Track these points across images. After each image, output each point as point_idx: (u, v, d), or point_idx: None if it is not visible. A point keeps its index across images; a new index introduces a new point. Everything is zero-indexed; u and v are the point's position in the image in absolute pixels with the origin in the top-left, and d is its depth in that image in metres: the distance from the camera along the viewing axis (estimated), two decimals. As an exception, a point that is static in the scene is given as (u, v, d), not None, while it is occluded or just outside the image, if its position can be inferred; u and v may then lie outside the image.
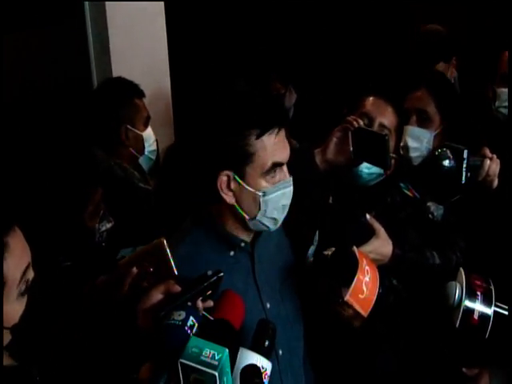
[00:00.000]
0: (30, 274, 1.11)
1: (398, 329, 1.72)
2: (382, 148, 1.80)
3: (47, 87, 2.96)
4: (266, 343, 1.24)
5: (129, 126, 2.52)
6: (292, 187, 1.49)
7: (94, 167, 2.39)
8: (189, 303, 1.23)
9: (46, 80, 2.97)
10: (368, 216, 1.73)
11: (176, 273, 1.33)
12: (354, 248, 1.52)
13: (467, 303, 1.46)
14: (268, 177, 1.43)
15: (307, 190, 1.65)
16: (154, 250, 1.35)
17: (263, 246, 1.56)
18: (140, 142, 2.56)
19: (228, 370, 1.13)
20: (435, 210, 1.92)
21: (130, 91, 2.55)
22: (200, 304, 1.26)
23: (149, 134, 2.59)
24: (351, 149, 1.84)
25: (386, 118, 1.92)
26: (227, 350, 1.12)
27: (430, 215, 1.91)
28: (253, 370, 1.16)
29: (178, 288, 1.26)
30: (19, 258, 1.09)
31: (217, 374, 1.08)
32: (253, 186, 1.42)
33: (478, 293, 1.46)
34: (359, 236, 1.70)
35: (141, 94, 2.58)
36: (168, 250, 1.34)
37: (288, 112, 3.01)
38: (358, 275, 1.45)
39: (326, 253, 1.54)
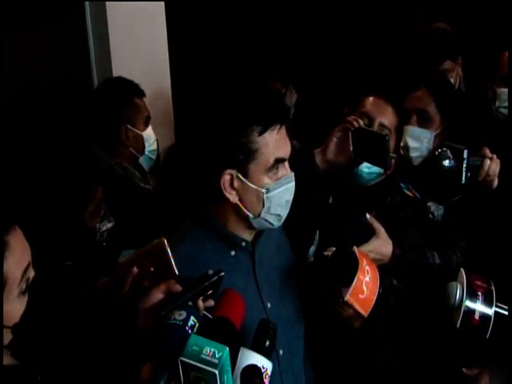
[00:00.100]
0: (31, 273, 1.12)
1: (397, 329, 1.72)
2: (382, 148, 1.80)
3: (47, 87, 2.96)
4: (267, 343, 1.24)
5: (129, 126, 2.52)
6: (294, 182, 1.49)
7: (94, 167, 2.39)
8: (190, 303, 1.23)
9: (46, 80, 2.97)
10: (368, 216, 1.73)
11: (177, 272, 1.33)
12: (355, 248, 1.52)
13: (468, 303, 1.46)
14: (271, 173, 1.43)
15: (307, 189, 1.65)
16: (154, 249, 1.35)
17: (264, 246, 1.56)
18: (140, 142, 2.56)
19: (228, 368, 1.13)
20: (435, 210, 1.92)
21: (130, 91, 2.55)
22: (201, 303, 1.26)
23: (149, 133, 2.59)
24: (351, 149, 1.84)
25: (386, 117, 1.92)
26: (227, 349, 1.12)
27: (430, 215, 1.92)
28: (253, 371, 1.16)
29: (178, 288, 1.26)
30: (20, 256, 1.09)
31: (217, 372, 1.08)
32: (256, 183, 1.42)
33: (479, 293, 1.46)
34: (359, 236, 1.70)
35: (141, 94, 2.58)
36: (169, 250, 1.34)
37: (289, 108, 3.01)
38: (359, 275, 1.45)
39: (326, 253, 1.55)
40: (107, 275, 1.39)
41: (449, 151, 1.76)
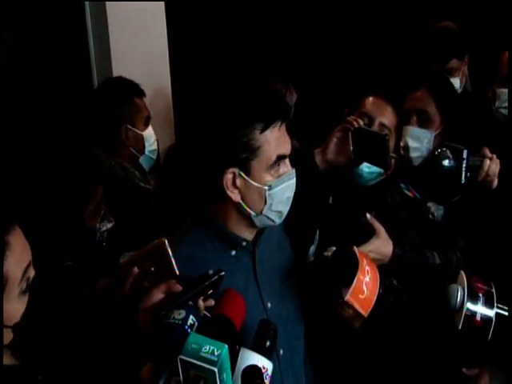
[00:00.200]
0: (31, 273, 1.12)
1: (397, 329, 1.72)
2: (382, 148, 1.80)
3: (47, 87, 2.97)
4: (268, 343, 1.24)
5: (129, 126, 2.53)
6: (295, 179, 1.50)
7: (94, 167, 2.39)
8: (190, 302, 1.23)
9: (46, 80, 2.98)
10: (368, 216, 1.73)
11: (177, 272, 1.33)
12: (355, 248, 1.52)
13: (469, 306, 1.46)
14: (272, 170, 1.43)
15: (307, 189, 1.65)
16: (155, 249, 1.35)
17: (264, 245, 1.56)
18: (140, 142, 2.56)
19: (227, 365, 1.13)
20: (435, 210, 1.92)
21: (130, 91, 2.56)
22: (201, 303, 1.26)
23: (149, 133, 2.59)
24: (351, 149, 1.84)
25: (386, 117, 1.92)
26: (226, 346, 1.12)
27: (430, 215, 1.92)
28: (254, 371, 1.16)
29: (179, 287, 1.26)
30: (20, 256, 1.09)
31: (216, 370, 1.08)
32: (258, 180, 1.42)
33: (480, 295, 1.47)
34: (359, 236, 1.70)
35: (141, 94, 2.58)
36: (169, 250, 1.34)
37: (289, 106, 3.01)
38: (359, 275, 1.45)
39: (326, 253, 1.55)
40: (107, 275, 1.39)
41: (448, 151, 1.76)
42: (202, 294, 1.27)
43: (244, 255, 1.52)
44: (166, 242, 1.35)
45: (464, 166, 1.74)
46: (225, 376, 1.12)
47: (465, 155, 1.74)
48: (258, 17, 4.11)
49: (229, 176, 1.41)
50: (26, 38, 2.93)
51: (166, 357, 1.14)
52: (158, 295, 1.26)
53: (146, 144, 2.58)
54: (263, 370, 1.20)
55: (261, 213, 1.46)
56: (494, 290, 1.47)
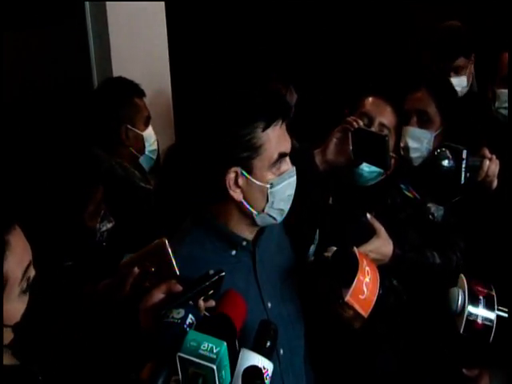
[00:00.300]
0: (32, 273, 1.12)
1: (397, 329, 1.72)
2: (382, 148, 1.80)
3: (47, 87, 2.97)
4: (268, 344, 1.24)
5: (129, 126, 2.53)
6: (295, 177, 1.50)
7: (94, 167, 2.39)
8: (190, 302, 1.23)
9: (46, 80, 2.98)
10: (368, 215, 1.73)
11: (178, 273, 1.33)
12: (355, 248, 1.52)
13: (470, 309, 1.46)
14: (274, 168, 1.44)
15: (307, 189, 1.65)
16: (155, 250, 1.36)
17: (264, 245, 1.56)
18: (140, 142, 2.56)
19: (226, 363, 1.13)
20: (435, 210, 1.92)
21: (130, 91, 2.56)
22: (202, 303, 1.26)
23: (149, 133, 2.60)
24: (351, 149, 1.84)
25: (386, 117, 1.92)
26: (225, 344, 1.12)
27: (430, 216, 1.92)
28: (254, 372, 1.16)
29: (179, 287, 1.26)
30: (20, 256, 1.09)
31: (215, 367, 1.08)
32: (260, 179, 1.43)
33: (481, 298, 1.47)
34: (359, 236, 1.70)
35: (141, 94, 2.58)
36: (170, 250, 1.34)
37: (290, 104, 3.01)
38: (359, 276, 1.45)
39: (326, 253, 1.55)
40: (108, 275, 1.40)
41: (448, 151, 1.76)
42: (203, 294, 1.27)
43: (244, 255, 1.52)
44: (167, 242, 1.35)
45: (463, 166, 1.74)
46: (223, 373, 1.12)
47: (464, 155, 1.74)
48: (258, 17, 4.11)
49: (231, 175, 1.42)
50: (26, 38, 2.93)
51: (165, 356, 1.14)
52: (159, 295, 1.26)
53: (146, 144, 2.58)
54: (263, 371, 1.20)
55: (263, 211, 1.46)
56: (494, 293, 1.47)
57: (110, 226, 2.20)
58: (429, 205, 1.93)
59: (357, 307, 1.46)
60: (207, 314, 1.27)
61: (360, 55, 4.08)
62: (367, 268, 1.48)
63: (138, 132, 2.55)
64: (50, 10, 2.96)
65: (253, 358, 1.21)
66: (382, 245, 1.71)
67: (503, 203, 1.78)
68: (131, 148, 2.54)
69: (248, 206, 1.45)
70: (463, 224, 1.87)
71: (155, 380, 1.12)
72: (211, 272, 1.30)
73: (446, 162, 1.75)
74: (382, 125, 1.91)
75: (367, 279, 1.46)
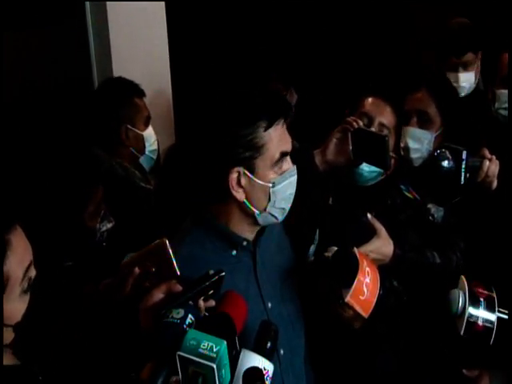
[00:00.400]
0: (33, 272, 1.12)
1: (398, 329, 1.73)
2: (382, 148, 1.80)
3: (47, 87, 2.97)
4: (268, 345, 1.24)
5: (129, 126, 2.53)
6: (296, 176, 1.50)
7: (94, 167, 2.39)
8: (190, 302, 1.23)
9: (46, 80, 2.97)
10: (369, 216, 1.73)
11: (178, 273, 1.33)
12: (355, 249, 1.52)
13: (471, 311, 1.46)
14: (276, 168, 1.45)
15: (307, 190, 1.65)
16: (156, 250, 1.36)
17: (265, 245, 1.56)
18: (140, 142, 2.56)
19: (226, 362, 1.13)
20: (435, 211, 1.92)
21: (129, 91, 2.56)
22: (202, 303, 1.26)
23: (149, 133, 2.60)
24: (351, 149, 1.84)
25: (385, 117, 1.92)
26: (225, 342, 1.12)
27: (430, 217, 1.92)
28: (255, 373, 1.16)
29: (179, 287, 1.26)
30: (21, 255, 1.09)
31: (215, 366, 1.08)
32: (262, 178, 1.43)
33: (481, 299, 1.47)
34: (360, 236, 1.70)
35: (141, 94, 2.58)
36: (170, 250, 1.34)
37: (291, 104, 3.02)
38: (359, 276, 1.45)
39: (326, 254, 1.55)
40: (108, 275, 1.40)
41: (448, 152, 1.76)
42: (203, 294, 1.27)
43: (245, 255, 1.52)
44: (167, 242, 1.35)
45: (463, 166, 1.75)
46: (223, 372, 1.12)
47: (464, 156, 1.74)
48: (258, 17, 4.11)
49: (233, 175, 1.42)
50: (26, 38, 2.92)
51: (164, 355, 1.14)
52: (159, 295, 1.26)
53: (147, 144, 2.58)
54: (264, 372, 1.20)
55: (264, 210, 1.47)
56: (494, 295, 1.47)
57: (109, 226, 2.20)
58: (429, 205, 1.93)
59: (357, 308, 1.46)
60: (207, 314, 1.28)
61: (360, 55, 4.09)
62: (367, 268, 1.48)
63: (138, 132, 2.55)
64: (50, 10, 2.96)
65: (253, 359, 1.21)
66: (382, 245, 1.71)
67: (503, 204, 1.78)
68: (131, 148, 2.54)
69: (250, 206, 1.45)
70: (463, 224, 1.87)
71: (155, 380, 1.12)
72: (211, 272, 1.30)
73: (445, 163, 1.76)
74: (381, 125, 1.92)
75: (367, 280, 1.46)
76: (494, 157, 1.78)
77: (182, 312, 1.19)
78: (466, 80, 2.70)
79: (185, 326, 1.17)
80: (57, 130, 2.83)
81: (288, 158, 1.48)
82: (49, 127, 2.85)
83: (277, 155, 1.43)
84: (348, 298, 1.44)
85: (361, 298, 1.45)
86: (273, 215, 1.49)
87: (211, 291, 1.29)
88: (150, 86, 2.75)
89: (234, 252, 1.51)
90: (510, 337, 1.47)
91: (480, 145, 1.84)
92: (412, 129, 2.00)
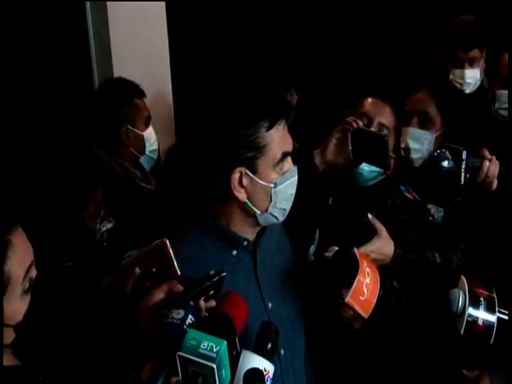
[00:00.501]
0: (33, 273, 1.12)
1: (398, 329, 1.73)
2: (382, 149, 1.80)
3: (48, 87, 2.97)
4: (269, 346, 1.24)
5: (129, 126, 2.53)
6: (297, 176, 1.51)
7: (95, 167, 2.39)
8: (191, 302, 1.23)
9: (46, 80, 2.97)
10: (370, 216, 1.74)
11: (179, 273, 1.34)
12: (355, 249, 1.53)
13: (471, 311, 1.46)
14: (277, 168, 1.45)
15: (307, 190, 1.65)
16: (156, 250, 1.36)
17: (265, 245, 1.56)
18: (141, 142, 2.57)
19: (226, 362, 1.13)
20: (435, 212, 1.92)
21: (130, 91, 2.56)
22: (202, 304, 1.26)
23: (150, 133, 2.60)
24: (350, 149, 1.84)
25: (385, 117, 1.92)
26: (225, 342, 1.12)
27: (430, 217, 1.92)
28: (255, 374, 1.17)
29: (180, 288, 1.26)
30: (22, 256, 1.09)
31: (215, 366, 1.08)
32: (264, 178, 1.43)
33: (481, 300, 1.47)
34: (360, 236, 1.70)
35: (141, 94, 2.58)
36: (171, 250, 1.34)
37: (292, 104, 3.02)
38: (359, 277, 1.45)
39: (326, 254, 1.55)
40: (109, 275, 1.40)
41: (448, 152, 1.77)
42: (203, 294, 1.27)
43: (245, 255, 1.52)
44: (168, 242, 1.35)
45: (463, 167, 1.75)
46: (223, 372, 1.12)
47: (464, 156, 1.75)
48: (258, 17, 4.11)
49: (236, 175, 1.42)
50: (26, 38, 2.92)
51: (164, 356, 1.14)
52: (159, 295, 1.26)
53: (147, 144, 2.58)
54: (265, 373, 1.20)
55: (266, 211, 1.47)
56: (495, 295, 1.48)
57: (109, 226, 2.20)
58: (429, 206, 1.93)
59: (357, 308, 1.46)
60: (207, 314, 1.28)
61: (360, 56, 4.09)
62: (367, 269, 1.48)
63: (139, 132, 2.55)
64: (51, 10, 2.96)
65: (254, 360, 1.21)
66: (383, 245, 1.71)
67: (503, 204, 1.78)
68: (132, 148, 2.55)
69: (252, 206, 1.45)
70: (463, 225, 1.87)
71: (155, 380, 1.12)
72: (212, 272, 1.30)
73: (445, 163, 1.76)
74: (381, 125, 1.92)
75: (367, 280, 1.46)
76: (494, 157, 1.78)
77: (182, 312, 1.19)
78: (472, 76, 2.71)
79: (185, 327, 1.17)
80: (57, 130, 2.83)
81: (289, 158, 1.48)
82: (49, 127, 2.85)
83: (278, 155, 1.44)
84: (348, 299, 1.45)
85: (361, 298, 1.46)
86: (274, 215, 1.49)
87: (212, 291, 1.29)
88: (150, 86, 2.75)
89: (235, 252, 1.51)
90: (510, 337, 1.48)
91: (480, 145, 1.84)
92: (412, 129, 2.00)
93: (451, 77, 2.73)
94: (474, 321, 1.45)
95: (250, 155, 1.41)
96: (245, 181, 1.43)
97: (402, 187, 1.96)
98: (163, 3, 3.17)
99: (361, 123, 1.87)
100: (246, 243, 1.51)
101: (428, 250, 1.85)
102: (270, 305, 1.54)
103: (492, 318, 1.46)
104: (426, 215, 1.92)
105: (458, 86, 2.72)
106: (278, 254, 1.64)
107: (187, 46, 3.75)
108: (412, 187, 1.95)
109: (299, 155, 1.69)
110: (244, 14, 4.06)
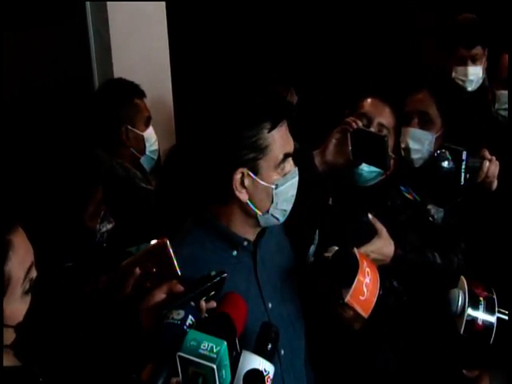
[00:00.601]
0: (34, 273, 1.12)
1: (398, 329, 1.73)
2: (381, 149, 1.80)
3: (48, 87, 2.96)
4: (269, 346, 1.24)
5: (129, 127, 2.53)
6: (298, 177, 1.51)
7: (95, 167, 2.39)
8: (192, 303, 1.23)
9: (46, 80, 2.97)
10: (370, 216, 1.74)
11: (179, 273, 1.34)
12: (355, 249, 1.53)
13: (470, 311, 1.46)
14: (279, 169, 1.45)
15: (307, 190, 1.65)
16: (156, 250, 1.36)
17: (265, 246, 1.56)
18: (141, 142, 2.57)
19: (227, 362, 1.13)
20: (435, 212, 1.92)
21: (130, 92, 2.56)
22: (203, 304, 1.26)
23: (150, 133, 2.60)
24: (350, 150, 1.84)
25: (384, 117, 1.92)
26: (225, 343, 1.12)
27: (430, 218, 1.92)
28: (256, 375, 1.17)
29: (180, 288, 1.26)
30: (23, 256, 1.09)
31: (215, 366, 1.08)
32: (266, 179, 1.44)
33: (481, 300, 1.47)
34: (359, 236, 1.70)
35: (141, 95, 2.58)
36: (171, 250, 1.34)
37: (293, 105, 3.02)
38: (359, 276, 1.45)
39: (326, 254, 1.55)
40: (110, 272, 1.39)
41: (447, 152, 1.77)
42: (204, 294, 1.27)
43: (245, 255, 1.52)
44: (168, 242, 1.35)
45: (463, 167, 1.75)
46: (224, 373, 1.12)
47: (464, 156, 1.75)
48: (258, 17, 4.11)
49: (237, 176, 1.42)
50: (26, 38, 2.92)
51: (165, 356, 1.14)
52: (160, 295, 1.26)
53: (147, 144, 2.58)
54: (265, 373, 1.20)
55: (267, 212, 1.47)
56: (494, 296, 1.48)
57: (109, 226, 2.20)
58: (429, 206, 1.93)
59: (357, 308, 1.46)
60: (207, 315, 1.28)
61: (360, 56, 4.09)
62: (367, 269, 1.48)
63: (139, 132, 2.55)
64: (51, 10, 2.96)
65: (254, 361, 1.21)
66: (383, 245, 1.71)
67: (503, 204, 1.79)
68: (132, 148, 2.55)
69: (253, 207, 1.45)
70: (463, 225, 1.87)
71: (155, 381, 1.12)
72: (213, 273, 1.30)
73: (445, 164, 1.76)
74: (380, 125, 1.92)
75: (367, 280, 1.46)
76: (493, 157, 1.78)
77: (182, 313, 1.19)
78: (475, 73, 2.71)
79: (185, 327, 1.17)
80: (57, 130, 2.83)
81: (290, 159, 1.49)
82: (49, 128, 2.85)
83: (280, 156, 1.44)
84: (348, 298, 1.45)
85: (361, 298, 1.46)
86: (274, 216, 1.49)
87: (213, 292, 1.29)
88: (150, 86, 2.75)
89: (235, 252, 1.51)
90: (510, 337, 1.48)
91: (480, 145, 1.84)
92: (413, 129, 2.00)
93: (453, 74, 2.73)
94: (473, 321, 1.45)
95: (252, 156, 1.41)
96: (246, 181, 1.43)
97: (402, 187, 1.96)
98: (163, 3, 3.17)
99: (360, 123, 1.87)
100: (246, 243, 1.51)
101: (428, 251, 1.85)
102: (270, 305, 1.53)
103: (492, 318, 1.46)
104: (426, 215, 1.92)
105: (461, 83, 2.72)
106: (277, 254, 1.64)
107: (187, 45, 3.75)
108: (412, 187, 1.96)
109: (299, 155, 1.69)
110: (244, 14, 4.06)
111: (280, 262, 1.63)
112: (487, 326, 1.45)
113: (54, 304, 1.44)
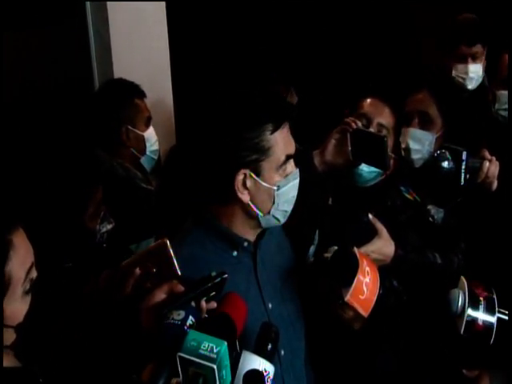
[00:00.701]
0: (34, 274, 1.12)
1: (398, 329, 1.73)
2: (381, 149, 1.80)
3: (48, 87, 2.96)
4: (269, 347, 1.24)
5: (129, 127, 2.53)
6: (299, 178, 1.51)
7: (95, 167, 2.40)
8: (192, 303, 1.24)
9: (46, 80, 2.97)
10: (370, 216, 1.74)
11: (179, 273, 1.34)
12: (355, 249, 1.53)
13: (470, 311, 1.46)
14: (281, 170, 1.45)
15: (306, 190, 1.66)
16: (157, 250, 1.36)
17: (265, 246, 1.57)
18: (141, 142, 2.57)
19: (227, 362, 1.13)
20: (435, 212, 1.92)
21: (130, 92, 2.56)
22: (203, 305, 1.26)
23: (150, 133, 2.60)
24: (350, 150, 1.84)
25: (384, 117, 1.92)
26: (226, 343, 1.12)
27: (430, 218, 1.92)
28: (256, 376, 1.17)
29: (181, 288, 1.26)
30: (23, 257, 1.09)
31: (215, 367, 1.08)
32: (268, 181, 1.44)
33: (481, 300, 1.47)
34: (359, 236, 1.71)
35: (141, 95, 2.58)
36: (171, 251, 1.34)
37: (294, 107, 3.02)
38: (359, 276, 1.45)
39: (326, 255, 1.55)
40: (110, 270, 1.39)
41: (447, 153, 1.77)
42: (205, 295, 1.27)
43: (245, 256, 1.53)
44: (168, 242, 1.35)
45: (463, 167, 1.75)
46: (224, 373, 1.12)
47: (464, 157, 1.75)
48: (258, 18, 4.11)
49: (240, 177, 1.42)
50: (26, 38, 2.92)
51: (165, 356, 1.14)
52: (161, 295, 1.26)
53: (147, 144, 2.58)
54: (265, 373, 1.20)
55: (268, 213, 1.47)
56: (494, 296, 1.48)
57: (109, 227, 2.20)
58: (429, 207, 1.93)
59: (357, 307, 1.47)
60: (207, 315, 1.28)
61: (360, 56, 4.09)
62: (367, 268, 1.48)
63: (139, 132, 2.55)
64: (51, 10, 2.96)
65: (254, 361, 1.21)
66: (383, 245, 1.71)
67: (503, 204, 1.79)
68: (132, 148, 2.55)
69: (254, 208, 1.46)
70: (463, 226, 1.88)
71: (155, 381, 1.12)
72: (214, 273, 1.30)
73: (445, 164, 1.76)
74: (380, 125, 1.92)
75: (367, 279, 1.47)
76: (494, 158, 1.78)
77: (182, 313, 1.19)
78: (475, 71, 2.71)
79: (185, 328, 1.17)
80: (57, 130, 2.83)
81: (292, 160, 1.49)
82: (49, 128, 2.85)
83: (282, 158, 1.44)
84: (348, 297, 1.45)
85: (360, 297, 1.46)
86: (275, 217, 1.49)
87: (213, 293, 1.29)
88: (150, 86, 2.75)
89: (235, 253, 1.51)
90: (510, 337, 1.48)
91: (480, 146, 1.84)
92: (413, 130, 2.00)
93: (454, 72, 2.72)
94: (473, 321, 1.46)
95: (255, 157, 1.41)
96: (248, 183, 1.43)
97: (402, 188, 1.96)
98: (163, 3, 3.17)
99: (360, 124, 1.88)
100: (246, 244, 1.51)
101: (428, 251, 1.85)
102: (270, 305, 1.54)
103: (492, 319, 1.46)
104: (426, 216, 1.92)
105: (461, 81, 2.71)
106: (278, 255, 1.64)
107: (187, 46, 3.75)
108: (412, 188, 1.96)
109: (299, 156, 1.69)
110: (244, 15, 4.06)
111: (280, 263, 1.63)
112: (487, 326, 1.45)
113: (54, 304, 1.44)
